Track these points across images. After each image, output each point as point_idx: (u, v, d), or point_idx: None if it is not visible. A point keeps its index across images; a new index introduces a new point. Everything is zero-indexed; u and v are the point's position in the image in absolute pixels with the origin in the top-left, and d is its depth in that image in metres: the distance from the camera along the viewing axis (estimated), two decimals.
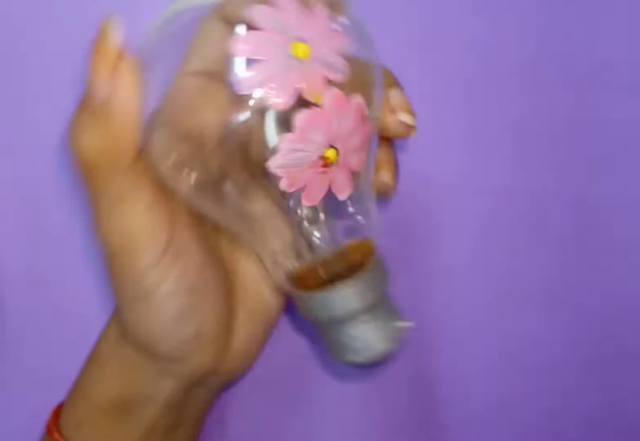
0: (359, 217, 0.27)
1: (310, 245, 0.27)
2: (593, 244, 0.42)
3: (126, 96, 0.24)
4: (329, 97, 0.22)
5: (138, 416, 0.31)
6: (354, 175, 0.26)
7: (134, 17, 0.30)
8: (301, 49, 0.22)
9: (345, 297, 0.26)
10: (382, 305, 0.27)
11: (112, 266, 0.27)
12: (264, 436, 0.40)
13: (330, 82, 0.23)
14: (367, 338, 0.26)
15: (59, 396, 0.37)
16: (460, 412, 0.41)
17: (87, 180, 0.26)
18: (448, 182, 0.41)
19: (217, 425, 0.39)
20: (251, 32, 0.21)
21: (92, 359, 0.32)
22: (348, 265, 0.27)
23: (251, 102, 0.22)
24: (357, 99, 0.23)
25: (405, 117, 0.27)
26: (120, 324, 0.30)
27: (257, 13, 0.21)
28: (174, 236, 0.27)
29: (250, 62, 0.22)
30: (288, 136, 0.22)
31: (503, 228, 0.41)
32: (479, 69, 0.40)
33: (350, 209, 0.27)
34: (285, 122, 0.23)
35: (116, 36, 0.24)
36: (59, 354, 0.39)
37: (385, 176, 0.29)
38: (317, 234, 0.27)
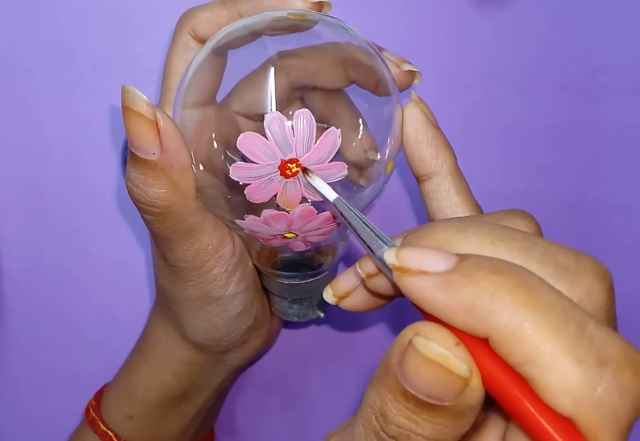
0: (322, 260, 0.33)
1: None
2: (591, 245, 0.39)
3: (175, 147, 0.25)
4: (298, 210, 0.26)
5: (189, 406, 0.34)
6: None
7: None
8: (290, 171, 0.24)
9: (284, 289, 0.33)
10: (312, 298, 0.34)
11: (180, 283, 0.29)
12: (267, 428, 0.42)
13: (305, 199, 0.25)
14: (287, 311, 0.34)
15: (61, 392, 0.39)
16: None
17: (158, 224, 0.27)
18: None
19: (226, 417, 0.41)
20: (256, 136, 0.24)
21: (145, 363, 0.34)
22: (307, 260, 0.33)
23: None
24: (326, 214, 0.26)
25: (409, 67, 0.29)
26: (180, 330, 0.32)
27: (270, 121, 0.24)
28: (235, 246, 0.30)
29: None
30: (254, 216, 0.26)
31: None
32: (477, 72, 0.39)
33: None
34: None
35: (143, 98, 0.24)
36: (60, 352, 0.41)
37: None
38: None
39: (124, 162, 0.37)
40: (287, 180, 0.25)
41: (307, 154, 0.24)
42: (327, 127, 0.25)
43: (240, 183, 0.25)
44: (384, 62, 0.28)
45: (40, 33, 0.38)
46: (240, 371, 0.37)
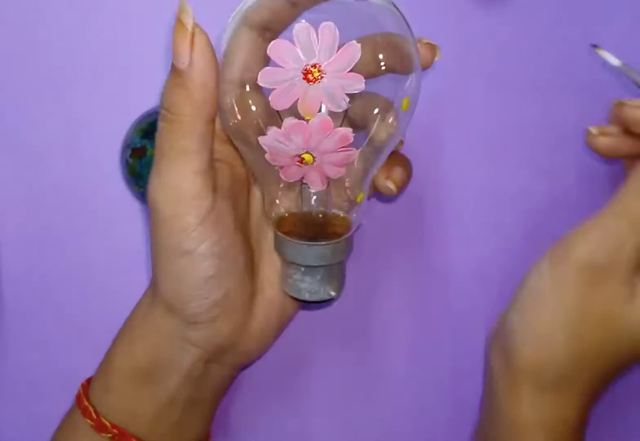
0: (345, 203, 0.33)
1: (304, 201, 0.33)
2: None
3: (202, 64, 0.28)
4: (316, 119, 0.28)
5: (161, 386, 0.34)
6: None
7: None
8: (312, 75, 0.27)
9: (299, 251, 0.33)
10: (325, 271, 0.34)
11: (155, 224, 0.31)
12: (265, 431, 0.41)
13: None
14: (299, 285, 0.34)
15: (60, 392, 0.38)
16: (459, 413, 0.41)
17: (165, 133, 0.30)
18: (448, 184, 0.41)
19: (222, 421, 0.40)
20: (285, 42, 0.27)
21: (124, 329, 0.35)
22: (325, 228, 0.34)
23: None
24: (343, 131, 0.28)
25: (427, 40, 0.32)
26: (153, 285, 0.33)
27: (298, 30, 0.27)
28: (215, 205, 0.31)
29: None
30: (276, 128, 0.28)
31: (503, 229, 0.41)
32: (477, 72, 0.40)
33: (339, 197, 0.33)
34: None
35: (191, 15, 0.28)
36: (60, 352, 0.41)
37: (391, 184, 0.34)
38: (314, 197, 0.33)
39: (125, 162, 0.38)
40: (309, 85, 0.27)
41: (328, 61, 0.27)
42: None
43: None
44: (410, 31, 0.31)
45: (40, 33, 0.40)
46: (216, 372, 0.35)
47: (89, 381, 0.36)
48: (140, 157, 0.37)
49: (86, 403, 0.34)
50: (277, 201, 0.33)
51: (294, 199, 0.33)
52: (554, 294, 0.31)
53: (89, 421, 0.33)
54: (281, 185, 0.33)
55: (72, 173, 0.40)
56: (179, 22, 0.28)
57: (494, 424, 0.34)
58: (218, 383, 0.36)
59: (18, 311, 0.41)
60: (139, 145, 0.37)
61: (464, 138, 0.41)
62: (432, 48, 0.32)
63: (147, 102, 0.39)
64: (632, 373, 0.39)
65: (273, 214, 0.34)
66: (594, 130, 0.34)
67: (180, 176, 0.30)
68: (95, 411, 0.33)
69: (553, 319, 0.31)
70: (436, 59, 0.33)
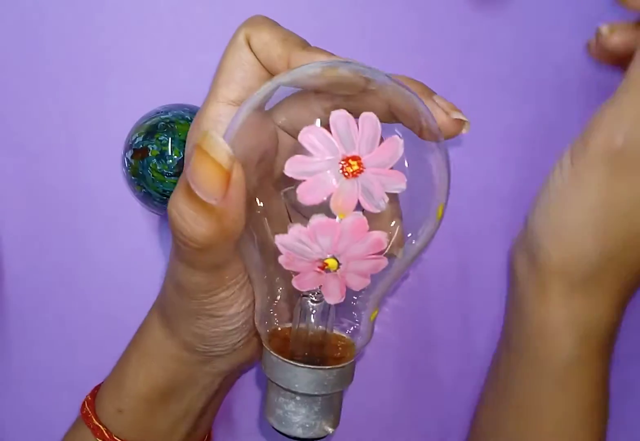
0: (351, 322, 0.30)
1: (302, 315, 0.29)
2: None
3: (236, 196, 0.25)
4: (350, 219, 0.24)
5: (177, 403, 0.33)
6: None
7: None
8: (350, 170, 0.23)
9: (296, 376, 0.28)
10: (323, 403, 0.28)
11: (186, 296, 0.29)
12: (266, 427, 0.41)
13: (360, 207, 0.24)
14: (291, 419, 0.28)
15: (61, 392, 0.40)
16: (457, 414, 0.41)
17: (189, 255, 0.27)
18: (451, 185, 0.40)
19: (224, 420, 0.41)
20: (320, 129, 0.23)
21: (136, 354, 0.34)
22: (323, 350, 0.29)
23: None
24: (377, 235, 0.24)
25: (458, 115, 0.29)
26: (168, 323, 0.32)
27: (336, 118, 0.23)
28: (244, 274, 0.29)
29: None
30: (300, 226, 0.24)
31: (506, 231, 0.39)
32: (477, 72, 0.40)
33: (349, 313, 0.29)
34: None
35: (226, 149, 0.24)
36: (61, 352, 0.41)
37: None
38: (314, 312, 0.29)
39: (126, 163, 0.37)
40: (346, 180, 0.24)
41: (369, 155, 0.24)
42: None
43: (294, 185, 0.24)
44: (428, 110, 0.28)
45: (40, 33, 0.39)
46: (231, 378, 0.35)
47: (93, 396, 0.34)
48: (142, 158, 0.36)
49: (97, 423, 0.33)
50: (271, 311, 0.29)
51: (290, 310, 0.29)
52: (578, 191, 0.29)
53: (100, 440, 0.33)
54: (280, 289, 0.29)
55: (74, 174, 0.40)
56: (207, 156, 0.24)
57: (523, 328, 0.33)
58: (227, 387, 0.36)
59: (20, 312, 0.40)
60: (140, 146, 0.36)
61: (463, 138, 0.40)
62: (460, 123, 0.30)
63: (149, 102, 0.38)
64: None
65: (266, 326, 0.29)
66: (605, 29, 0.32)
67: (215, 275, 0.28)
68: (108, 431, 0.32)
69: (579, 217, 0.30)
70: (464, 132, 0.30)
